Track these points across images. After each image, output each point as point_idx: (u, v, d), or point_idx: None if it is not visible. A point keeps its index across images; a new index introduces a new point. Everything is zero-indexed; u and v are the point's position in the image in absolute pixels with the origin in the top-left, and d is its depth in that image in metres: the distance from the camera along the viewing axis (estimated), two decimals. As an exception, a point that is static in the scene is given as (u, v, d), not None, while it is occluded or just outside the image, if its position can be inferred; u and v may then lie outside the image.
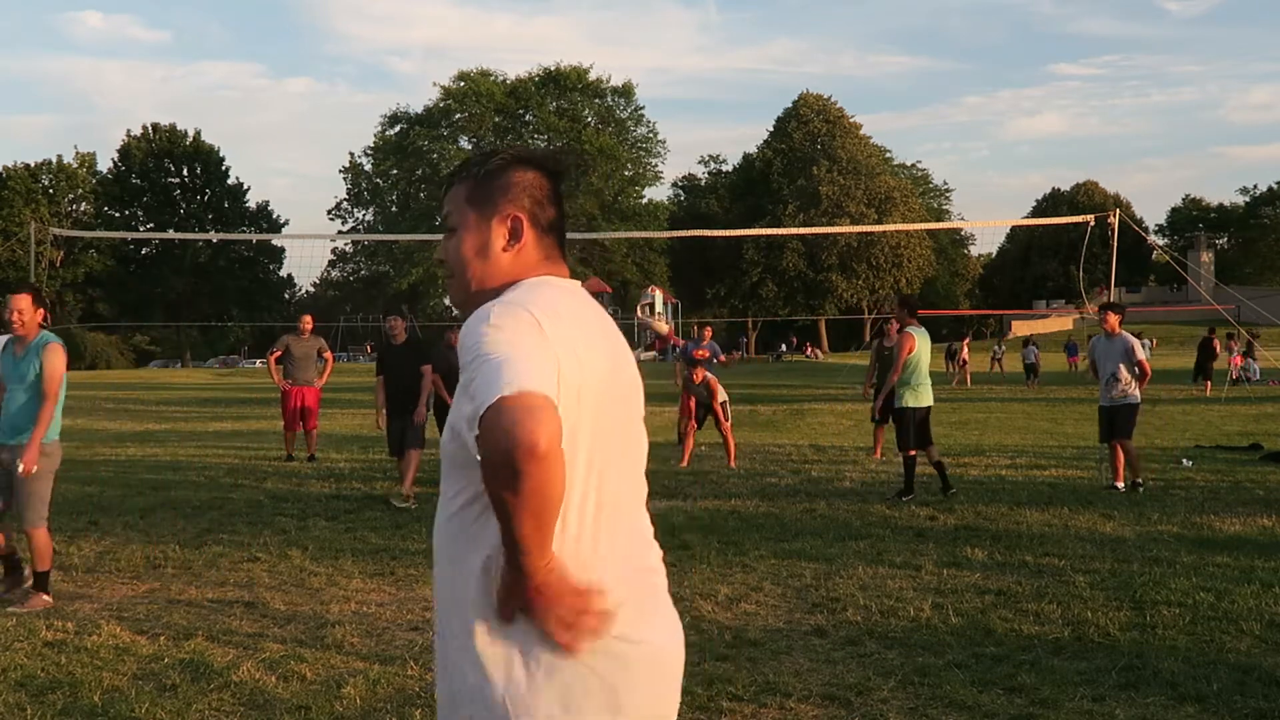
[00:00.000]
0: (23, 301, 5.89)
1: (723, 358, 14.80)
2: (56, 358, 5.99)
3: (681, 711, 4.55)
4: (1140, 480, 10.09)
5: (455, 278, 1.91)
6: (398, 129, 77.16)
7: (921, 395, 9.81)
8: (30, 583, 6.16)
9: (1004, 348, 42.75)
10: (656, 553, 1.92)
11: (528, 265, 1.88)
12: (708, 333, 14.68)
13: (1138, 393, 10.14)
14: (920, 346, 9.79)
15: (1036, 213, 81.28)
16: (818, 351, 61.30)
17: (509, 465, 1.56)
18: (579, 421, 1.72)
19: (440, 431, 7.98)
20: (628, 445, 1.85)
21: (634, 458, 1.87)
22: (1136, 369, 10.09)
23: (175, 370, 57.75)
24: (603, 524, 1.76)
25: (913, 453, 9.83)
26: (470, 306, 1.87)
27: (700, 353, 13.46)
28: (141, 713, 4.36)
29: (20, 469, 5.86)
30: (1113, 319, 10.27)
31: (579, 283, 1.92)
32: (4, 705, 4.45)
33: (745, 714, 4.34)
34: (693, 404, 12.95)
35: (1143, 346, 10.68)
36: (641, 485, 1.90)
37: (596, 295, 56.34)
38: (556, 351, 1.68)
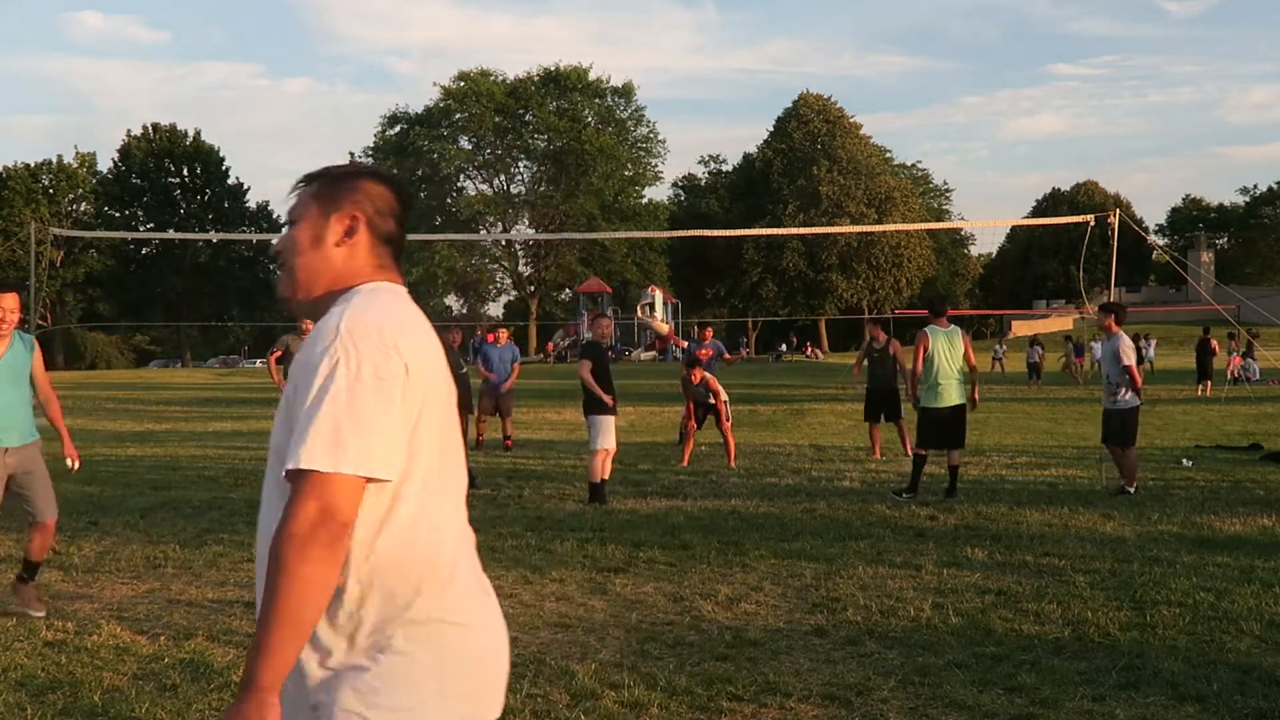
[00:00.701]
0: (12, 300, 5.91)
1: (729, 355, 14.83)
2: (39, 355, 6.12)
3: (681, 711, 4.58)
4: (1130, 489, 9.88)
5: (285, 268, 1.98)
6: (398, 129, 77.15)
7: (940, 395, 9.73)
8: (30, 581, 6.09)
9: (1005, 347, 42.72)
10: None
11: (360, 268, 1.95)
12: (708, 333, 14.71)
13: (1130, 396, 9.96)
14: (935, 346, 9.75)
15: (1036, 213, 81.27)
16: (818, 351, 61.30)
17: (281, 545, 1.64)
18: (424, 415, 1.80)
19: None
20: (456, 438, 1.94)
21: (459, 456, 1.96)
22: (1125, 373, 9.96)
23: (175, 370, 57.75)
24: (445, 508, 1.85)
25: (923, 452, 9.84)
26: (297, 303, 1.95)
27: (704, 352, 13.47)
28: (141, 713, 4.36)
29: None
30: (1108, 320, 10.17)
31: (406, 290, 2.00)
32: (4, 705, 4.45)
33: (745, 714, 4.34)
34: (693, 404, 12.96)
35: (1147, 347, 10.61)
36: (465, 481, 1.98)
37: (596, 295, 56.38)
38: (407, 362, 1.77)
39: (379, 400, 1.71)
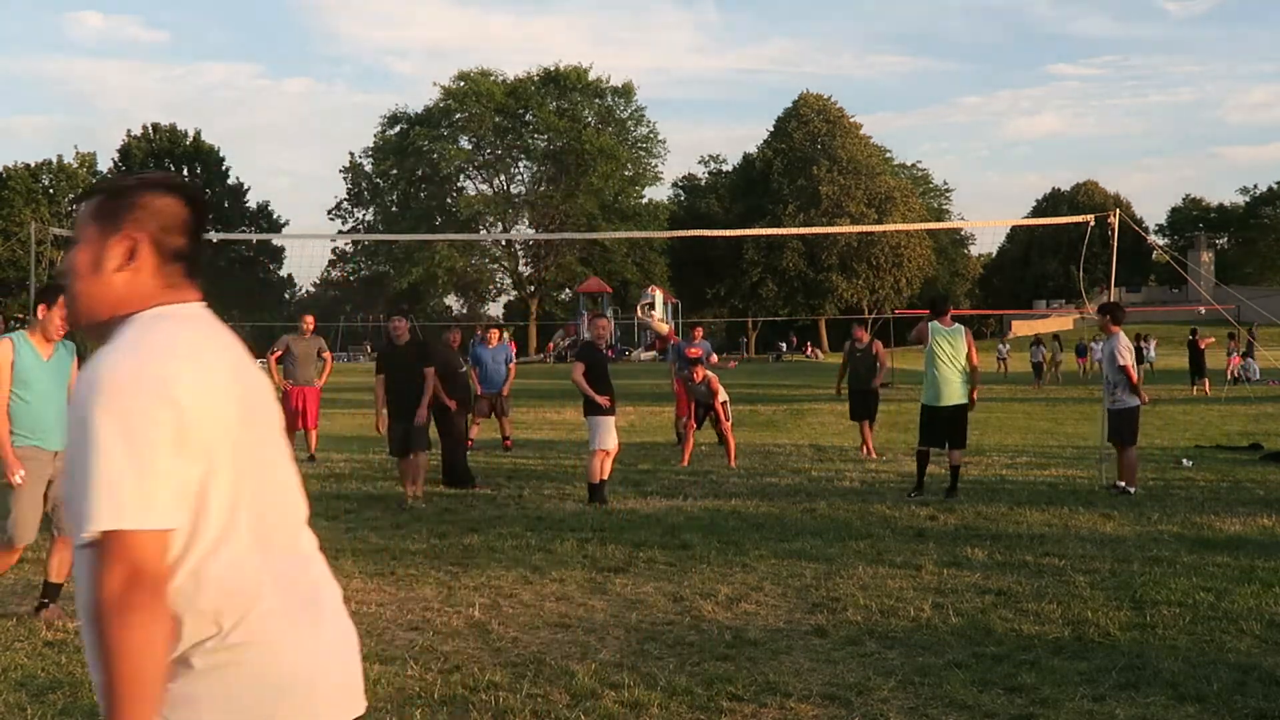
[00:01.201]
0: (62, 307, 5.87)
1: (714, 359, 14.86)
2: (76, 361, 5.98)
3: (682, 711, 4.58)
4: (1130, 488, 9.87)
5: (68, 291, 1.89)
6: (398, 129, 77.13)
7: (941, 394, 9.73)
8: (51, 604, 5.89)
9: (1009, 346, 42.56)
10: (319, 567, 2.04)
11: (144, 292, 1.83)
12: (698, 332, 14.74)
13: (1127, 397, 9.97)
14: (933, 340, 9.75)
15: (1036, 213, 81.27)
16: (818, 351, 61.28)
17: (98, 617, 1.60)
18: (216, 464, 1.72)
19: (440, 432, 7.94)
20: (272, 472, 1.85)
21: (281, 481, 1.88)
22: (1121, 372, 9.97)
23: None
24: (254, 551, 1.77)
25: (925, 450, 9.87)
26: (85, 327, 1.86)
27: (693, 351, 13.47)
28: (141, 713, 4.36)
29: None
30: (1106, 320, 10.21)
31: (203, 306, 1.89)
32: (4, 705, 4.45)
33: (745, 714, 4.34)
34: (692, 404, 12.96)
35: (1147, 347, 10.66)
36: (296, 505, 1.92)
37: (596, 295, 56.39)
38: (181, 397, 1.68)
39: (148, 449, 1.63)
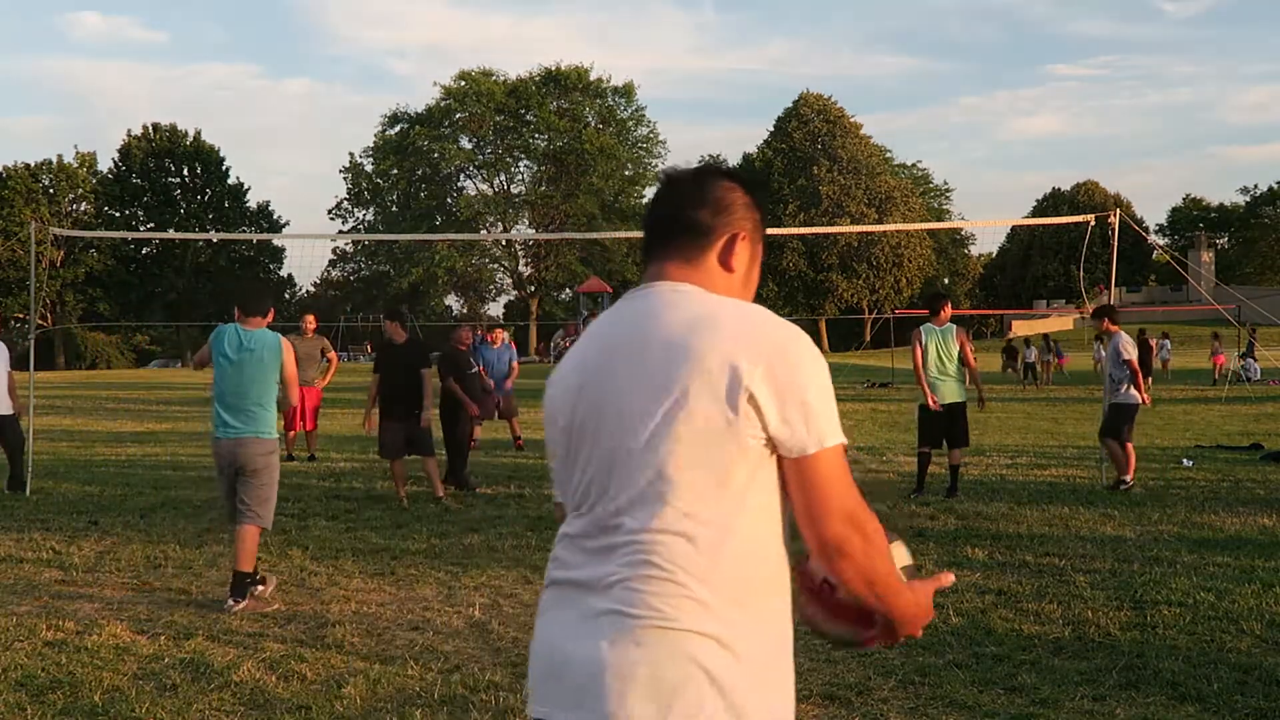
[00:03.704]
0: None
1: None
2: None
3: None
4: (1125, 481, 10.05)
5: None
6: (398, 129, 77.14)
7: (936, 393, 9.75)
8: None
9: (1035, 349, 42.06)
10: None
11: None
12: None
13: (1132, 393, 10.13)
14: (928, 343, 9.76)
15: (1037, 212, 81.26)
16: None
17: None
18: None
19: (446, 434, 7.92)
20: None
21: None
22: (1126, 368, 10.12)
23: (175, 370, 57.76)
24: None
25: (926, 450, 9.88)
26: None
27: None
28: (142, 713, 4.36)
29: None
30: (1104, 322, 10.42)
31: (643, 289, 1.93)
32: (4, 705, 4.45)
33: (745, 714, 4.34)
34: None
35: (1163, 346, 10.78)
36: None
37: (596, 295, 56.40)
38: None
39: None
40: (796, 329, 1.77)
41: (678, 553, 1.68)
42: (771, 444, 1.69)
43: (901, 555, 1.86)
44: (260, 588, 6.22)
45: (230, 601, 5.97)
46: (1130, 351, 10.16)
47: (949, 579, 1.93)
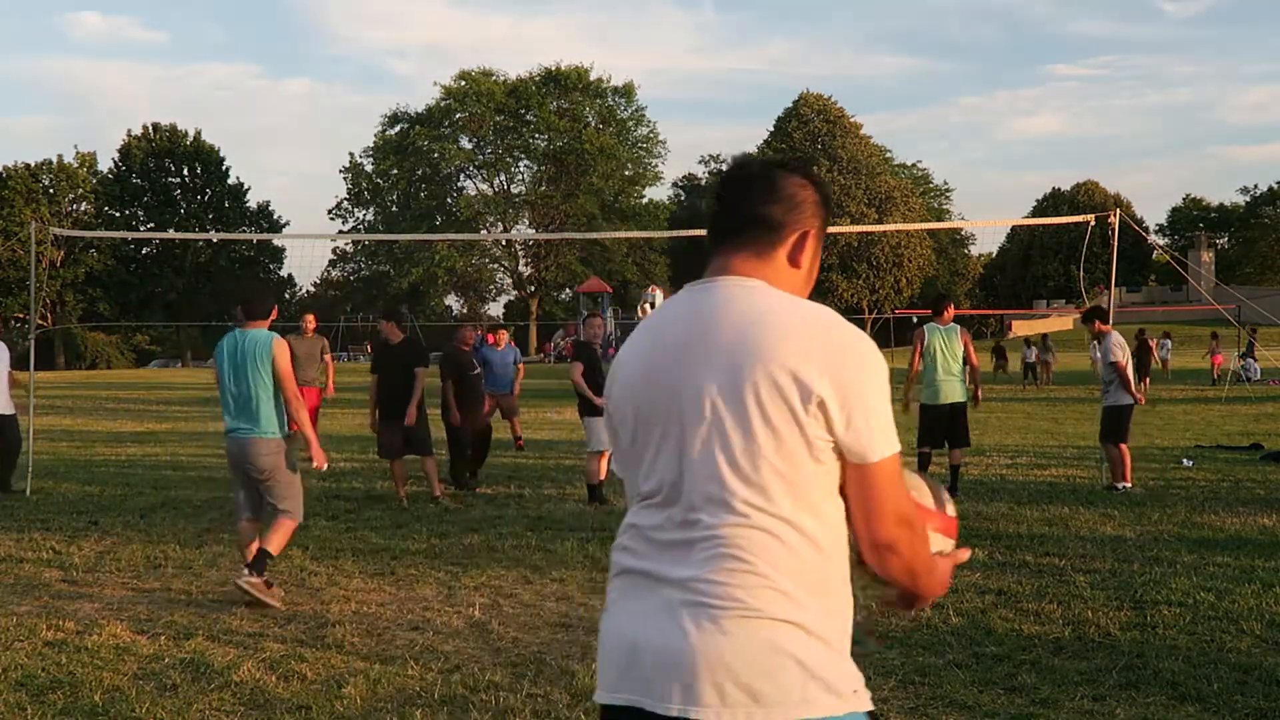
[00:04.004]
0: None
1: None
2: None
3: (682, 711, 4.52)
4: (1119, 485, 10.03)
5: None
6: (398, 129, 77.13)
7: (939, 392, 9.75)
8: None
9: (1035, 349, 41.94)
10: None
11: None
12: None
13: (1122, 394, 10.13)
14: (930, 342, 9.77)
15: (1037, 212, 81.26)
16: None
17: None
18: None
19: (449, 434, 7.91)
20: None
21: None
22: (1113, 370, 10.12)
23: (175, 370, 57.76)
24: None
25: (926, 450, 9.89)
26: None
27: None
28: (142, 712, 4.36)
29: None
30: (1095, 325, 10.45)
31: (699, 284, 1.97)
32: (4, 705, 4.45)
33: (745, 714, 4.33)
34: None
35: (1163, 346, 10.77)
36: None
37: (596, 295, 56.35)
38: None
39: None
40: (863, 334, 1.80)
41: (756, 546, 1.72)
42: (836, 446, 1.74)
43: (936, 541, 1.95)
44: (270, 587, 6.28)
45: (245, 571, 6.06)
46: (1118, 353, 10.14)
47: (965, 554, 1.99)
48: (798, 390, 1.71)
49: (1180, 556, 7.12)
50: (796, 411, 1.72)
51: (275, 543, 6.23)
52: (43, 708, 4.41)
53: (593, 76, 77.13)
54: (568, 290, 76.17)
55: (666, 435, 1.81)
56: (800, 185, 1.92)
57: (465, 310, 78.97)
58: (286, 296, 76.38)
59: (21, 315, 56.95)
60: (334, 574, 6.83)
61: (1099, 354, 10.56)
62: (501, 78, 76.90)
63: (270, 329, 6.53)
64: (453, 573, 6.87)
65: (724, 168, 1.98)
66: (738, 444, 1.74)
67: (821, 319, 1.78)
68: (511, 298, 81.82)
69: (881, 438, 1.75)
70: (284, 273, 76.39)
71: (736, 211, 1.92)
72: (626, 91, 78.40)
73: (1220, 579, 6.47)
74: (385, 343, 10.10)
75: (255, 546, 6.28)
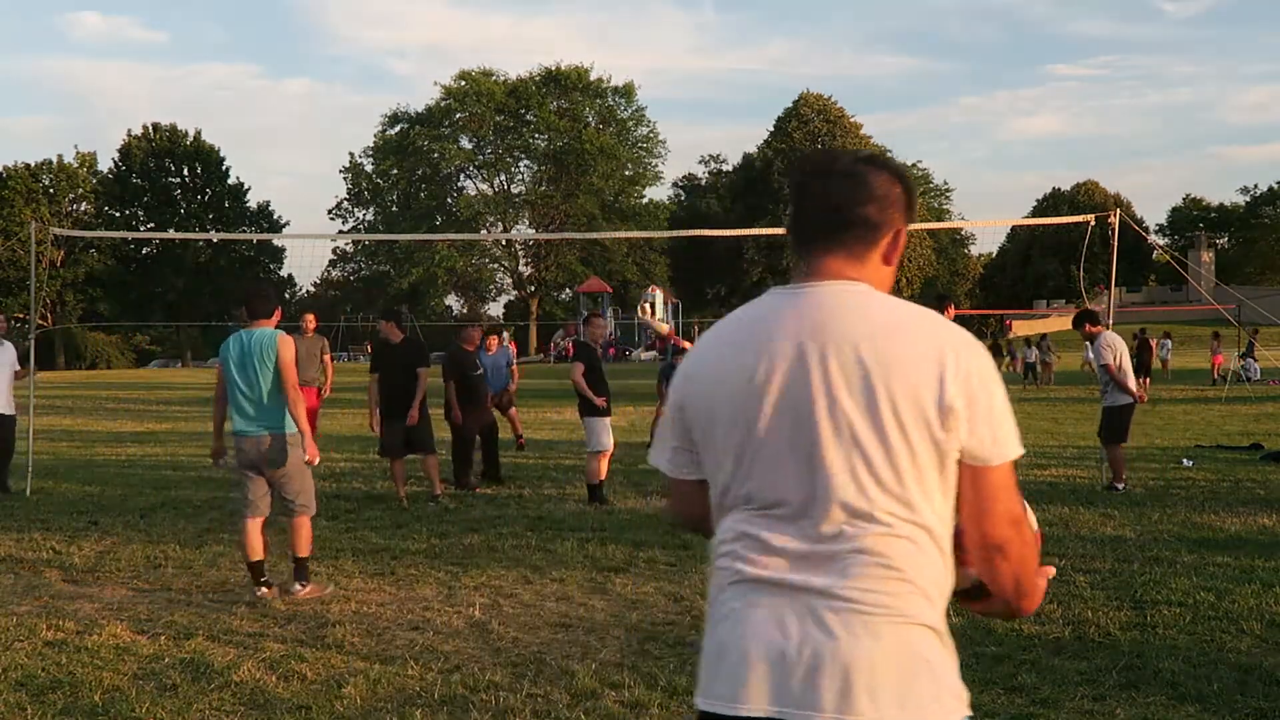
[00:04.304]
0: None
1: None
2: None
3: (682, 711, 4.56)
4: (1118, 485, 10.04)
5: None
6: (398, 129, 77.13)
7: None
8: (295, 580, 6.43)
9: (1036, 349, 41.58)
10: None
11: None
12: (679, 361, 14.40)
13: (1120, 395, 10.11)
14: None
15: (1037, 212, 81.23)
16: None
17: None
18: None
19: (452, 434, 7.96)
20: None
21: None
22: (1105, 371, 10.13)
23: (175, 370, 57.75)
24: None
25: None
26: None
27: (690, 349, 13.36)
28: (142, 712, 4.36)
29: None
30: (1087, 327, 10.45)
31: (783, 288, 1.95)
32: (4, 705, 4.45)
33: (745, 714, 4.34)
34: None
35: (1163, 346, 10.74)
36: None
37: (596, 295, 56.38)
38: None
39: None
40: (975, 338, 1.81)
41: (900, 553, 1.74)
42: (960, 451, 1.76)
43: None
44: (268, 587, 6.33)
45: (297, 585, 6.29)
46: (1107, 355, 10.08)
47: (1051, 571, 2.00)
48: (933, 400, 1.73)
49: (1180, 556, 7.12)
50: (931, 422, 1.73)
51: (303, 545, 6.40)
52: (43, 708, 4.41)
53: (593, 76, 77.14)
54: (568, 290, 76.18)
55: (795, 447, 1.78)
56: (890, 182, 1.89)
57: (465, 310, 78.96)
58: (286, 296, 76.37)
59: (21, 315, 56.96)
60: (334, 574, 6.83)
61: (1092, 355, 10.58)
62: (501, 78, 76.90)
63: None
64: (453, 573, 6.87)
65: (806, 163, 1.93)
66: (876, 456, 1.73)
67: (940, 324, 1.79)
68: (511, 298, 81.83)
69: (1007, 441, 1.77)
70: (284, 273, 76.35)
71: (833, 212, 1.87)
72: (626, 91, 78.39)
73: (1220, 579, 6.47)
74: (386, 342, 10.10)
75: (260, 547, 6.33)
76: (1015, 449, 1.78)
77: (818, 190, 1.89)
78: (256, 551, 6.34)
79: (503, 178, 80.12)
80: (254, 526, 6.38)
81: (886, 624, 1.72)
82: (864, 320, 1.79)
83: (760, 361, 1.81)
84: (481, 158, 78.81)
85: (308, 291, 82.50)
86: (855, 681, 1.69)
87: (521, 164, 79.83)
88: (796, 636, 1.73)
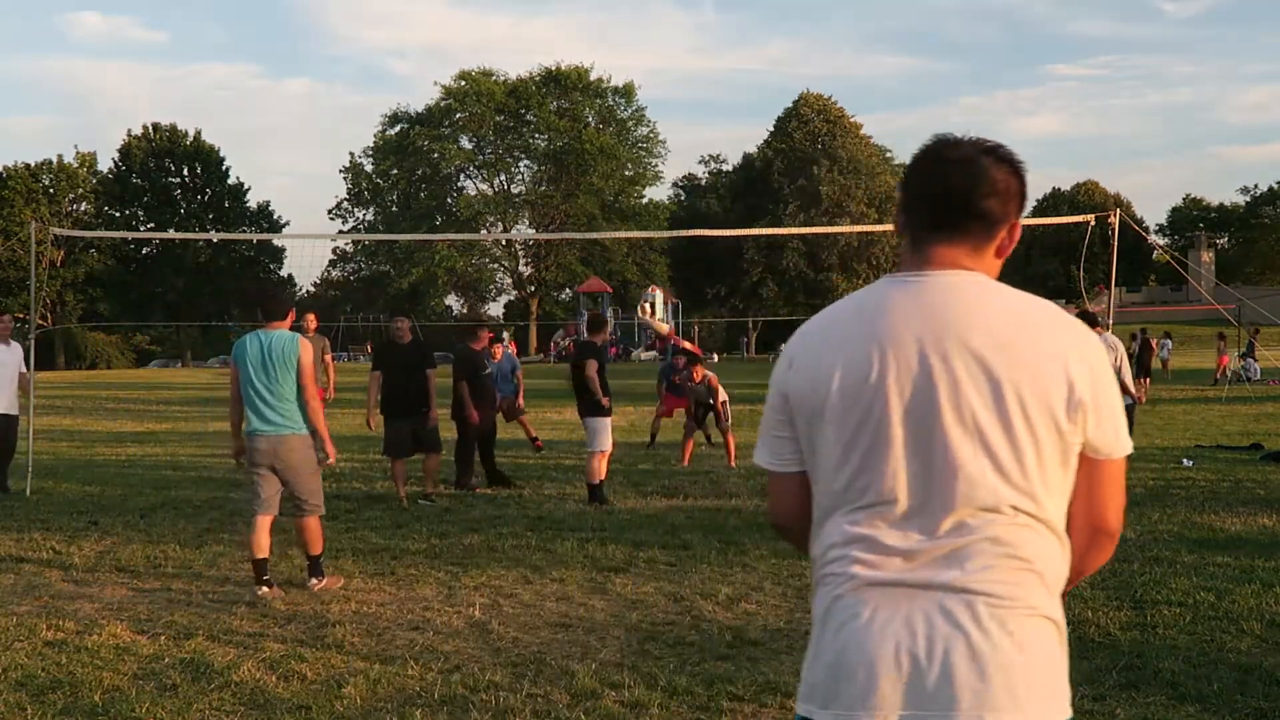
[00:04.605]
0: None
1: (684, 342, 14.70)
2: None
3: (682, 711, 4.57)
4: None
5: None
6: (398, 129, 77.09)
7: None
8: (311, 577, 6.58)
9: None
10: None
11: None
12: (678, 362, 14.08)
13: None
14: None
15: (1037, 212, 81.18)
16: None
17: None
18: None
19: (460, 433, 7.96)
20: None
21: None
22: None
23: (175, 370, 57.76)
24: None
25: None
26: None
27: (691, 349, 13.26)
28: (142, 712, 4.36)
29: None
30: None
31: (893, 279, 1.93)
32: (4, 705, 4.45)
33: (745, 714, 4.34)
34: (692, 404, 12.94)
35: (1164, 346, 10.72)
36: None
37: (596, 295, 56.38)
38: None
39: None
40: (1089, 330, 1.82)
41: (1028, 546, 1.73)
42: (1083, 444, 1.77)
43: None
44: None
45: (312, 580, 6.44)
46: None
47: None
48: (1063, 396, 1.72)
49: (1180, 556, 7.12)
50: (1059, 417, 1.72)
51: (315, 543, 6.51)
52: (43, 708, 4.41)
53: (593, 77, 77.10)
54: (568, 290, 76.15)
55: (916, 444, 1.74)
56: (1009, 175, 1.85)
57: (465, 310, 78.95)
58: (258, 296, 76.20)
59: (21, 315, 56.98)
60: (334, 574, 6.83)
61: None
62: (501, 78, 76.85)
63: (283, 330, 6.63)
64: (453, 573, 6.87)
65: (926, 147, 1.88)
66: (1003, 452, 1.71)
67: (1061, 317, 1.79)
68: (511, 298, 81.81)
69: (1125, 434, 1.80)
70: (284, 273, 76.35)
71: (954, 202, 1.83)
72: (626, 91, 78.35)
73: (1220, 579, 6.47)
74: (392, 342, 10.10)
75: (266, 545, 6.44)
76: (1130, 443, 1.81)
77: (938, 178, 1.85)
78: (263, 549, 6.40)
79: (503, 178, 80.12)
80: (263, 524, 6.44)
81: (1017, 617, 1.70)
82: (986, 314, 1.77)
83: (878, 355, 1.77)
84: (481, 158, 78.78)
85: (308, 291, 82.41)
86: (992, 677, 1.66)
87: (521, 164, 79.83)
88: (926, 635, 1.69)
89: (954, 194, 1.83)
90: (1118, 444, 1.78)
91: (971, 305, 1.78)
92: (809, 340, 1.87)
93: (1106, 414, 1.76)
